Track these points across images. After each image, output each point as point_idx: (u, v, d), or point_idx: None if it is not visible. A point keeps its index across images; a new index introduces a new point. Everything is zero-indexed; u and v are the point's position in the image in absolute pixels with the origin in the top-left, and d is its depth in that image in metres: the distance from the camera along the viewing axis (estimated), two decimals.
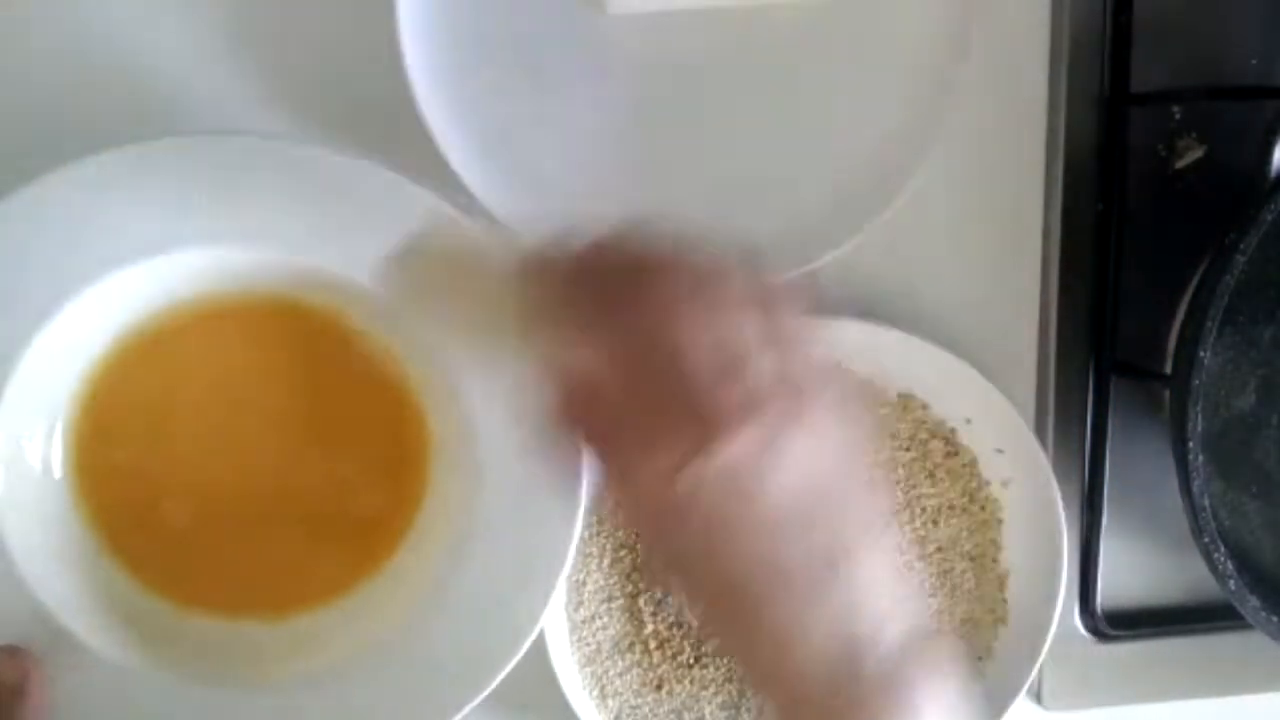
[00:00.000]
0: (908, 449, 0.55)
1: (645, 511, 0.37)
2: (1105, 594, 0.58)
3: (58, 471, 0.46)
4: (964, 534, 0.56)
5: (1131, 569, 0.58)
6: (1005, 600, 0.57)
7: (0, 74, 0.47)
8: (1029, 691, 0.59)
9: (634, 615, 0.55)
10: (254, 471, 0.45)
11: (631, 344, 0.36)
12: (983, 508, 0.56)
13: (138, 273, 0.44)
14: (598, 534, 0.54)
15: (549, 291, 0.37)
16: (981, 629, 0.57)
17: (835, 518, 0.36)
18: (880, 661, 0.35)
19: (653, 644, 0.55)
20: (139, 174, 0.42)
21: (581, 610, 0.55)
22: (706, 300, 0.36)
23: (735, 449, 0.34)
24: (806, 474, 0.35)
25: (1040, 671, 0.58)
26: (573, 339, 0.37)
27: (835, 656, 0.35)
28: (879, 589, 0.36)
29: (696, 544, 0.35)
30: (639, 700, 0.55)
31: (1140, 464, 0.57)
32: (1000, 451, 0.55)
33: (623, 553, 0.54)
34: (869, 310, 0.54)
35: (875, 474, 0.36)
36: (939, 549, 0.56)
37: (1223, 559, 0.51)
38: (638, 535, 0.37)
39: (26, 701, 0.43)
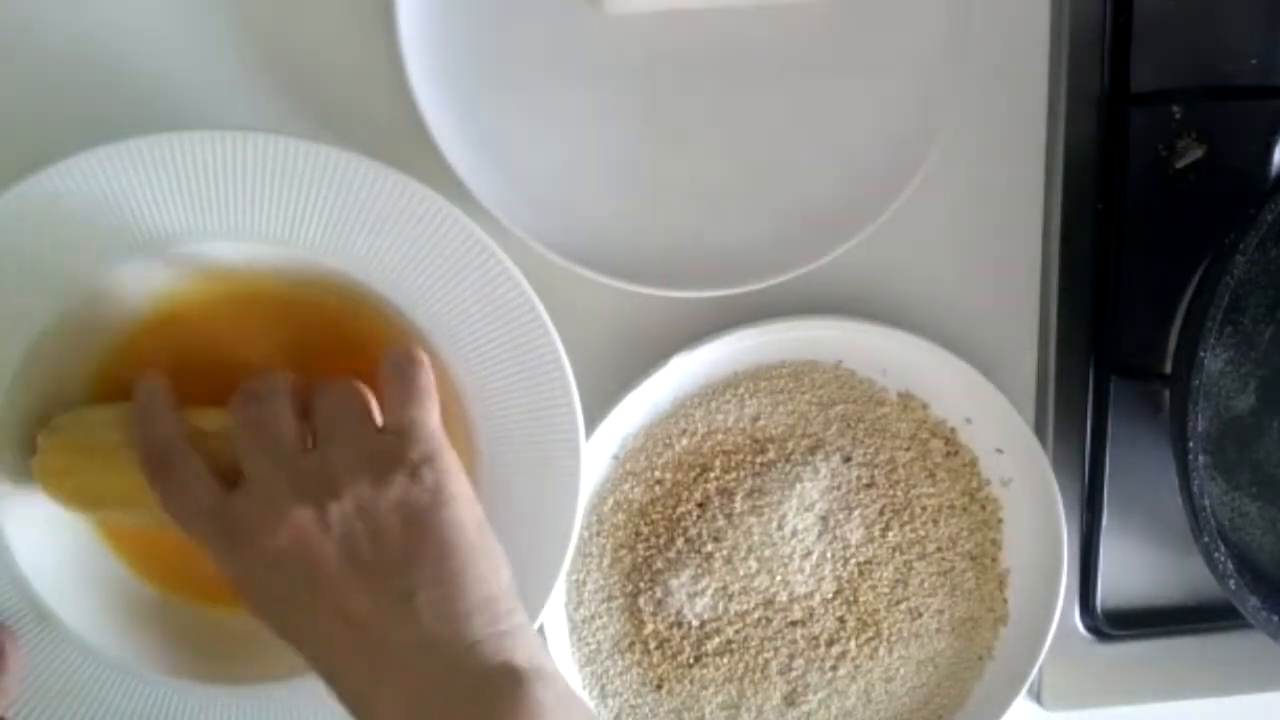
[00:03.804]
0: (908, 449, 0.56)
1: (245, 594, 0.41)
2: (1105, 594, 0.58)
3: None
4: (964, 534, 0.56)
5: (1131, 569, 0.58)
6: (1005, 600, 0.57)
7: (7, 70, 0.47)
8: (1029, 691, 0.59)
9: (634, 615, 0.55)
10: None
11: (239, 440, 0.41)
12: (983, 507, 0.56)
13: (139, 267, 0.44)
14: (598, 534, 0.54)
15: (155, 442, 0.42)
16: (981, 629, 0.57)
17: (408, 561, 0.39)
18: (470, 685, 0.38)
19: (653, 644, 0.55)
20: (142, 168, 0.42)
21: (581, 610, 0.55)
22: (313, 393, 0.42)
23: (292, 529, 0.39)
24: (368, 529, 0.39)
25: (1040, 671, 0.58)
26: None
27: (426, 696, 0.38)
28: (462, 623, 0.39)
29: (281, 621, 0.40)
30: (639, 700, 0.55)
31: (1140, 464, 0.57)
32: (1000, 451, 0.55)
33: (623, 553, 0.54)
34: (869, 310, 0.54)
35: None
36: (939, 549, 0.56)
37: (1223, 559, 0.51)
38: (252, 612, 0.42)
39: (3, 674, 0.44)
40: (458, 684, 0.38)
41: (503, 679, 0.38)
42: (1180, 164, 0.54)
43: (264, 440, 0.41)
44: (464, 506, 0.41)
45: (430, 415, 0.42)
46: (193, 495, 0.41)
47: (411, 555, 0.39)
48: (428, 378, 0.43)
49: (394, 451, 0.40)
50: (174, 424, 0.42)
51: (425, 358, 0.43)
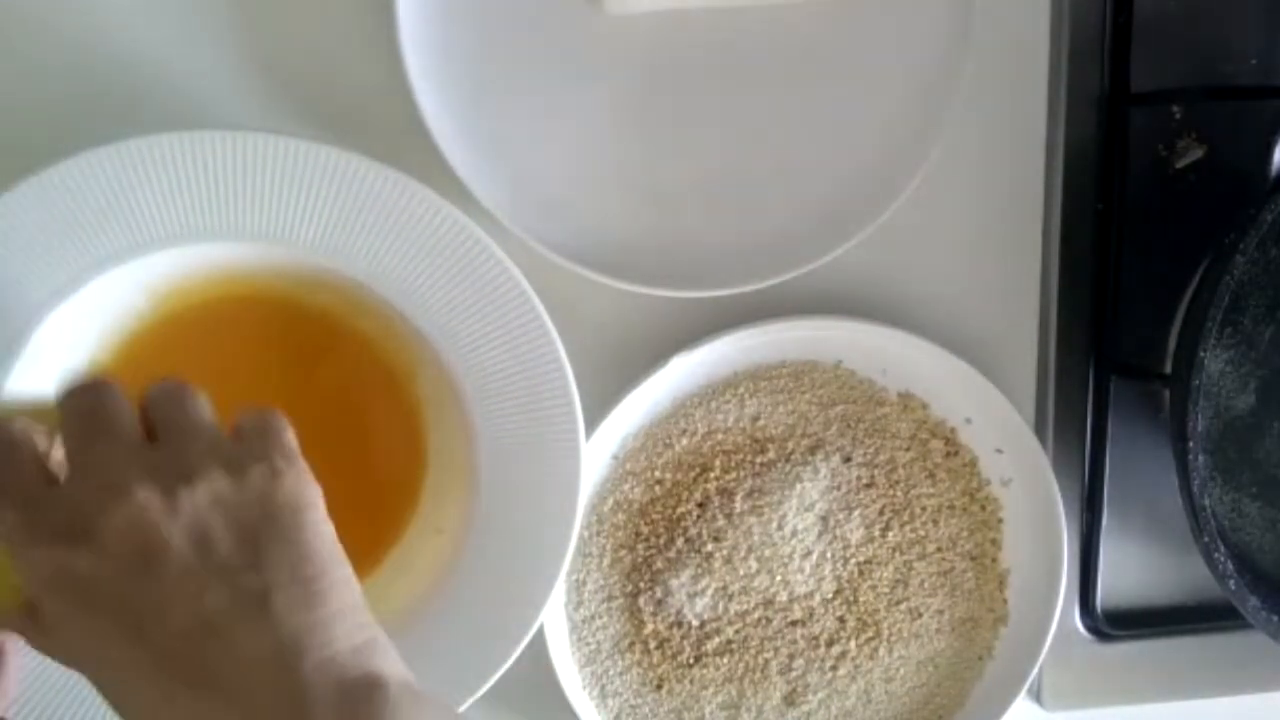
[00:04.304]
0: (908, 449, 0.56)
1: (47, 602, 0.36)
2: (1105, 594, 0.58)
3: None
4: (964, 534, 0.56)
5: (1131, 569, 0.58)
6: (1005, 600, 0.57)
7: (8, 70, 0.47)
8: (1029, 691, 0.59)
9: (634, 615, 0.55)
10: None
11: (69, 442, 0.37)
12: (983, 507, 0.56)
13: (139, 268, 0.44)
14: (598, 534, 0.54)
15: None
16: (981, 629, 0.57)
17: (264, 559, 0.35)
18: (331, 696, 0.34)
19: (653, 644, 0.55)
20: (142, 168, 0.42)
21: (581, 610, 0.55)
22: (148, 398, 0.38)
23: (133, 508, 0.35)
24: (226, 520, 0.35)
25: (1040, 671, 0.58)
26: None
27: (279, 709, 0.34)
28: (321, 630, 0.35)
29: (106, 628, 0.35)
30: (639, 700, 0.55)
31: (1140, 464, 0.57)
32: (1000, 451, 0.55)
33: (623, 553, 0.54)
34: (869, 310, 0.54)
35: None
36: (939, 549, 0.56)
37: (1223, 559, 0.51)
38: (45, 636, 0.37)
39: (3, 674, 0.43)
40: (317, 694, 0.34)
41: (366, 689, 0.34)
42: (1180, 164, 0.54)
43: (100, 426, 0.37)
44: (322, 514, 0.38)
45: (287, 433, 0.39)
46: (14, 477, 0.37)
47: (268, 553, 0.35)
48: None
49: (252, 449, 0.37)
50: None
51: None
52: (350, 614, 0.36)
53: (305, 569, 0.36)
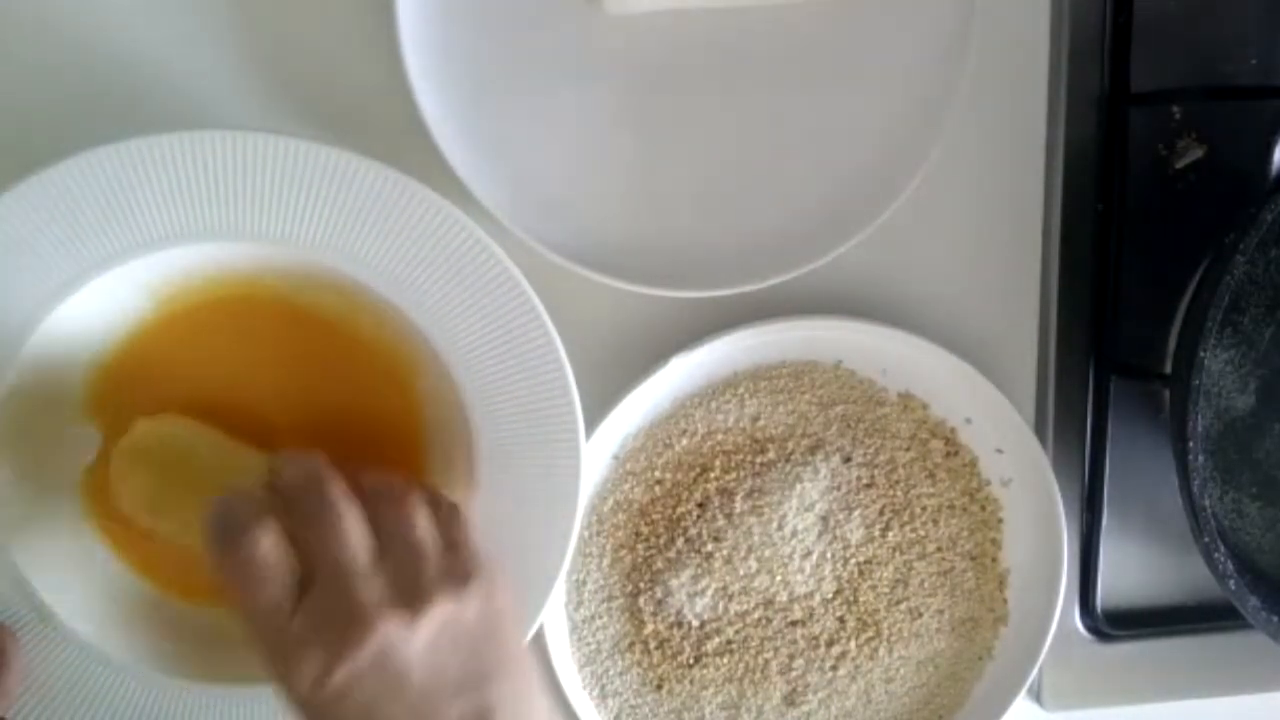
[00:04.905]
0: (908, 449, 0.56)
1: (303, 704, 0.39)
2: (1105, 594, 0.58)
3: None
4: (964, 534, 0.56)
5: (1131, 569, 0.58)
6: (1005, 600, 0.57)
7: (8, 70, 0.47)
8: (1029, 691, 0.59)
9: (634, 615, 0.55)
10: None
11: (311, 550, 0.40)
12: (983, 508, 0.56)
13: (139, 268, 0.44)
14: (598, 534, 0.54)
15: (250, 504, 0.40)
16: (981, 629, 0.57)
17: (488, 675, 0.40)
18: None
19: (653, 644, 0.55)
20: (142, 168, 0.42)
21: (581, 610, 0.55)
22: (369, 497, 0.41)
23: (380, 637, 0.38)
24: (453, 642, 0.39)
25: (1040, 671, 0.58)
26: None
27: None
28: None
29: None
30: (639, 700, 0.55)
31: (1140, 464, 0.57)
32: (1000, 451, 0.55)
33: (623, 553, 0.54)
34: (869, 310, 0.54)
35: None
36: (939, 549, 0.56)
37: (1223, 559, 0.51)
38: None
39: (3, 674, 0.43)
40: None
41: None
42: (1180, 164, 0.54)
43: (330, 541, 0.39)
44: (513, 615, 0.42)
45: (476, 534, 0.42)
46: (266, 581, 0.39)
47: (491, 672, 0.39)
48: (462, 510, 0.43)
49: (465, 567, 0.40)
50: (261, 508, 0.41)
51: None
52: (536, 700, 0.41)
53: (520, 682, 0.41)
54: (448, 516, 0.42)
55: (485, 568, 0.41)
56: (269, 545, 0.39)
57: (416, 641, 0.38)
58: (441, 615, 0.39)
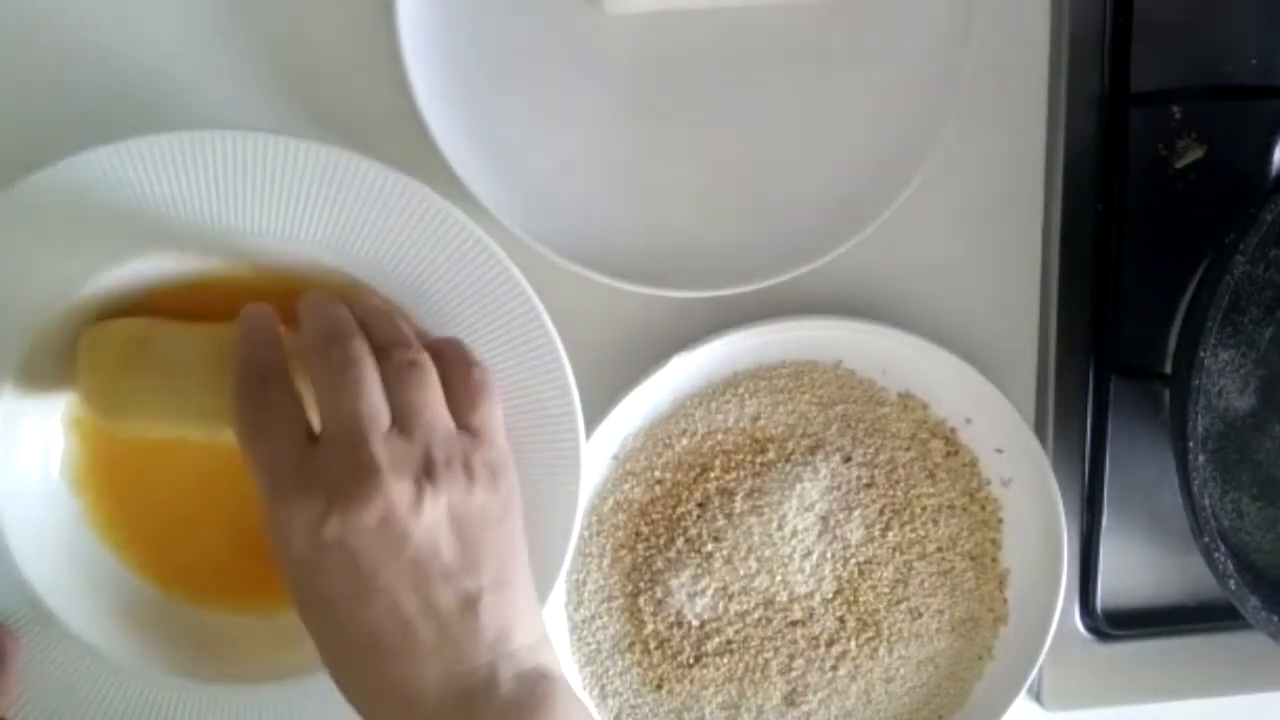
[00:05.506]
0: (908, 449, 0.56)
1: (293, 551, 0.39)
2: (1105, 594, 0.58)
3: (55, 456, 0.46)
4: (964, 534, 0.56)
5: (1131, 569, 0.58)
6: (1005, 600, 0.57)
7: (8, 70, 0.47)
8: (1029, 691, 0.59)
9: (634, 615, 0.55)
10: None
11: (324, 394, 0.40)
12: (983, 507, 0.56)
13: (139, 268, 0.44)
14: (598, 534, 0.54)
15: (268, 351, 0.41)
16: (981, 629, 0.57)
17: (477, 563, 0.40)
18: (497, 709, 0.38)
19: (653, 644, 0.55)
20: (142, 169, 0.42)
21: (581, 610, 0.55)
22: (388, 364, 0.40)
23: (385, 499, 0.38)
24: (452, 525, 0.39)
25: (1040, 671, 0.58)
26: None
27: (451, 708, 0.39)
28: (510, 628, 0.40)
29: (336, 589, 0.39)
30: (639, 700, 0.55)
31: (1140, 464, 0.57)
32: (1000, 451, 0.55)
33: (623, 553, 0.54)
34: (869, 310, 0.54)
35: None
36: (939, 549, 0.56)
37: (1223, 559, 0.51)
38: (287, 574, 0.40)
39: (3, 674, 0.44)
40: (499, 679, 0.39)
41: (538, 679, 0.40)
42: (1180, 164, 0.54)
43: (350, 397, 0.39)
44: (520, 519, 0.42)
45: (499, 418, 0.42)
46: (279, 430, 0.40)
47: (482, 559, 0.40)
48: (491, 377, 0.43)
49: (478, 454, 0.41)
50: (279, 350, 0.41)
51: (479, 358, 0.43)
52: (528, 614, 0.41)
53: (506, 574, 0.40)
54: (473, 395, 0.42)
55: (499, 460, 0.41)
56: (282, 396, 0.40)
57: (420, 517, 0.38)
58: (448, 499, 0.39)
